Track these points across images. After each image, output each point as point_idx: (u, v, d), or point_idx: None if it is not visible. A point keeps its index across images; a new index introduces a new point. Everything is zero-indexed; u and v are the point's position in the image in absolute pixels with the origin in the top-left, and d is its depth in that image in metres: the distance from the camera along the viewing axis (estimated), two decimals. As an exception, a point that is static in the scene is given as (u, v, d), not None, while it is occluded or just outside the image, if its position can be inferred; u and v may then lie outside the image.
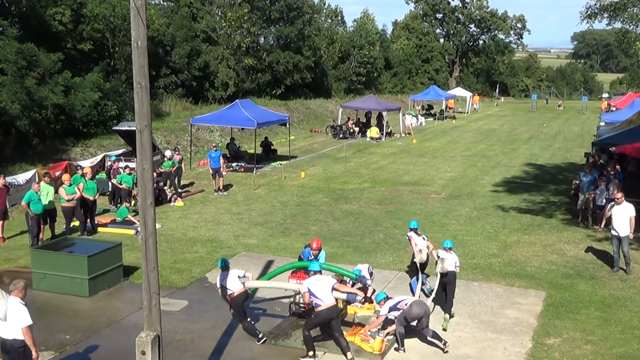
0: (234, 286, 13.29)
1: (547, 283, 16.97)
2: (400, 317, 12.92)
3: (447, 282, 14.37)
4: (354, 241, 20.46)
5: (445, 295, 14.44)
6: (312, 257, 14.72)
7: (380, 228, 22.18)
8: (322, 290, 12.30)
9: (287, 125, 39.74)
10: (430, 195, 28.02)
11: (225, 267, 13.60)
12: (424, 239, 16.15)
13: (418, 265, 15.64)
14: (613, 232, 18.04)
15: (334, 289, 12.47)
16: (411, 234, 16.16)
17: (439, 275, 14.44)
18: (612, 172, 23.80)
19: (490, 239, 21.17)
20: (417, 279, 15.63)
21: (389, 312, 13.16)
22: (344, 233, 21.50)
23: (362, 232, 21.66)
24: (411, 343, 13.21)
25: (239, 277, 13.45)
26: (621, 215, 17.92)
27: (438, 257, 14.71)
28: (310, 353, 12.42)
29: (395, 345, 12.99)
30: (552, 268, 18.24)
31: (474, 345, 13.20)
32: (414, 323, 12.96)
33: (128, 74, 38.62)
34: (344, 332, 12.75)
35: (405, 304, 12.98)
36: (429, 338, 13.02)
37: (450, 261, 14.55)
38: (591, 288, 16.68)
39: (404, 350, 12.87)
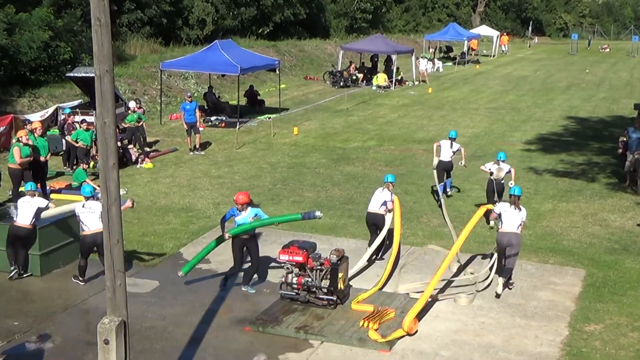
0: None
1: (588, 259, 17.10)
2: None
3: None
4: (358, 210, 20.54)
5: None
6: (239, 215, 14.86)
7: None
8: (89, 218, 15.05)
9: (277, 72, 39.61)
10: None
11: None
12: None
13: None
14: None
15: None
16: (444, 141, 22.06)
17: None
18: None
19: (522, 206, 21.20)
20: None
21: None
22: (345, 200, 21.59)
23: (367, 199, 21.46)
24: (425, 330, 13.35)
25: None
26: None
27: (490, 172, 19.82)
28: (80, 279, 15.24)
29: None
30: (594, 242, 18.37)
31: (499, 333, 13.35)
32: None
33: (84, 9, 38.34)
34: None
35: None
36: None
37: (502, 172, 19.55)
38: (640, 265, 16.83)
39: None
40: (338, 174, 24.84)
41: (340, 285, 14.05)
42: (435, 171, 21.10)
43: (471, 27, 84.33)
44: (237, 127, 31.34)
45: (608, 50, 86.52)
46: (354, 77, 48.43)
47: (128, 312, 9.78)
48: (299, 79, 50.89)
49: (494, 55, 74.51)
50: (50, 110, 29.89)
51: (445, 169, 21.73)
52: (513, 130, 33.60)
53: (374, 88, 46.73)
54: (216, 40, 36.53)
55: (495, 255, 15.58)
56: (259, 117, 35.19)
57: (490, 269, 15.59)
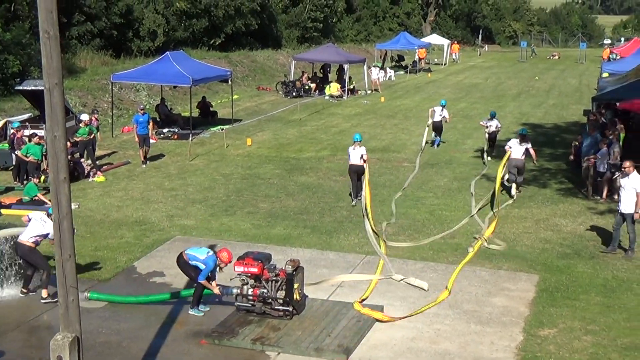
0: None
1: (540, 264, 17.30)
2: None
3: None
4: (312, 220, 20.58)
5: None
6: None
7: (342, 204, 22.32)
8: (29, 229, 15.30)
9: (229, 82, 39.54)
10: (401, 163, 28.24)
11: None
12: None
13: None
14: (619, 207, 18.18)
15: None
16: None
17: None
18: (612, 134, 24.20)
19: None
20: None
21: None
22: (299, 210, 21.60)
23: (322, 208, 21.79)
24: (381, 338, 13.39)
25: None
26: (627, 188, 17.86)
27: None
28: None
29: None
30: (546, 247, 18.60)
31: (455, 340, 13.44)
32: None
33: (32, 22, 37.93)
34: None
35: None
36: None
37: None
38: (592, 269, 17.06)
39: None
40: (292, 184, 24.84)
41: (296, 296, 14.03)
42: (428, 128, 31.38)
43: (422, 36, 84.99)
44: (190, 138, 31.19)
45: (557, 57, 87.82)
46: (307, 87, 48.48)
47: (81, 328, 9.68)
48: (252, 89, 50.82)
49: (445, 64, 75.21)
50: (-1, 124, 29.47)
51: (436, 128, 31.54)
52: (465, 138, 33.90)
53: (326, 98, 46.82)
54: (167, 52, 36.34)
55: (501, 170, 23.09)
56: (211, 129, 35.05)
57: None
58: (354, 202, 22.18)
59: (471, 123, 38.17)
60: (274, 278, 14.09)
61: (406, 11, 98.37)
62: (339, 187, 24.32)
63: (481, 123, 30.86)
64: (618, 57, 58.93)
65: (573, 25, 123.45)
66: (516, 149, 23.62)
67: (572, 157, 25.94)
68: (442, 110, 31.36)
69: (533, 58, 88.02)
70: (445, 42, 79.24)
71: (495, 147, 29.31)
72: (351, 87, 49.51)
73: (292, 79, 49.49)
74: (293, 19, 73.58)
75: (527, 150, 23.71)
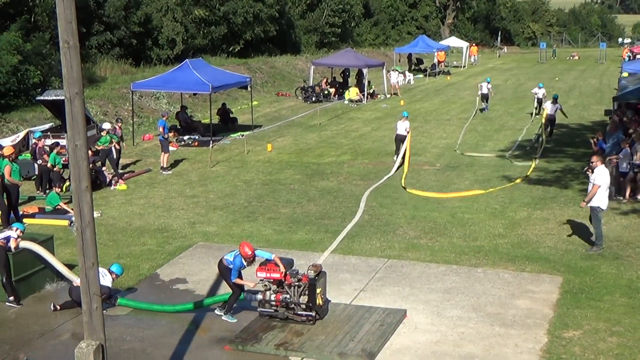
0: None
1: (564, 266, 17.18)
2: None
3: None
4: (334, 225, 20.55)
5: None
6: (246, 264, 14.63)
7: (364, 207, 22.27)
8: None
9: (249, 89, 39.67)
10: (422, 166, 28.17)
11: None
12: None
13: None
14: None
15: None
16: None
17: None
18: (635, 133, 24.04)
19: (496, 216, 21.37)
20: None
21: None
22: (321, 215, 21.58)
23: (343, 213, 21.76)
24: (405, 343, 13.35)
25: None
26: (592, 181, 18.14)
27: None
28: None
29: None
30: (570, 248, 18.47)
31: (479, 343, 13.37)
32: None
33: (53, 32, 38.20)
34: None
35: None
36: None
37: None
38: (616, 270, 16.93)
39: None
40: (313, 189, 24.82)
41: (319, 301, 14.01)
42: (478, 97, 44.43)
43: (441, 39, 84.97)
44: (211, 145, 31.27)
45: (577, 57, 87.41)
46: (326, 92, 48.50)
47: (105, 336, 9.71)
48: (271, 95, 50.90)
49: (464, 66, 75.06)
50: (21, 134, 29.69)
51: (484, 97, 43.77)
52: (486, 140, 33.79)
53: (346, 102, 46.84)
54: (187, 60, 36.48)
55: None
56: (232, 135, 35.12)
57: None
58: (395, 158, 28.39)
59: (491, 125, 38.06)
60: (297, 283, 14.07)
61: (424, 14, 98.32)
62: (360, 191, 24.28)
63: (532, 91, 42.70)
64: (639, 57, 58.60)
65: (592, 25, 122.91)
66: (550, 108, 34.41)
67: (594, 144, 26.07)
68: (488, 84, 44.26)
69: (553, 59, 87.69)
70: (464, 44, 79.18)
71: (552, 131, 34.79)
72: (370, 91, 49.49)
73: (311, 84, 49.55)
74: (311, 24, 73.75)
75: (558, 109, 34.59)
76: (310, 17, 74.03)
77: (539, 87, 41.72)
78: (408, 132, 28.70)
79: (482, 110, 43.25)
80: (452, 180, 25.85)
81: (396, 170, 27.32)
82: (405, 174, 26.37)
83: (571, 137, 34.15)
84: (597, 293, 15.56)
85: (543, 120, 34.69)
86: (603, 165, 18.28)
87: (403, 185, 24.94)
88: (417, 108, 44.74)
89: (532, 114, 40.95)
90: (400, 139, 28.74)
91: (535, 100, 41.00)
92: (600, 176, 17.98)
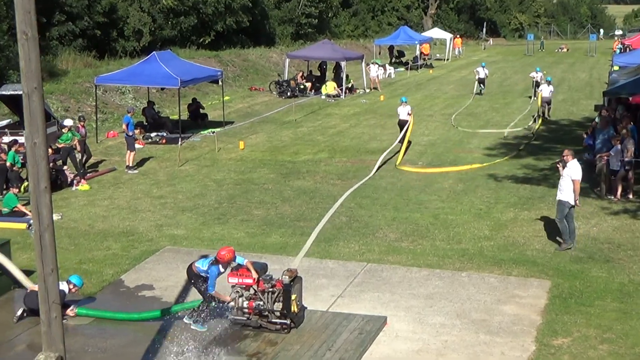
0: None
1: (553, 270, 17.25)
2: None
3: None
4: (310, 227, 20.50)
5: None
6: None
7: (342, 209, 22.27)
8: None
9: (220, 83, 39.51)
10: (402, 166, 28.20)
11: None
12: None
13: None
14: (558, 196, 18.75)
15: None
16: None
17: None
18: (624, 130, 24.12)
19: (481, 217, 21.43)
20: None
21: None
22: (296, 217, 21.55)
23: (320, 214, 21.72)
24: (385, 352, 13.33)
25: None
26: (565, 176, 18.48)
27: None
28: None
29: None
30: (558, 251, 18.53)
31: (463, 351, 13.38)
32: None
33: (10, 22, 37.88)
34: None
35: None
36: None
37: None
38: (607, 274, 17.01)
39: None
40: (288, 189, 24.79)
41: (294, 308, 13.97)
42: (476, 82, 49.15)
43: (423, 31, 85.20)
44: (179, 143, 31.14)
45: (566, 50, 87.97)
46: (302, 87, 48.48)
47: (65, 347, 9.62)
48: (244, 90, 50.82)
49: (447, 59, 75.30)
50: (-23, 131, 29.42)
51: (481, 81, 48.88)
52: (470, 137, 33.90)
53: (323, 97, 46.83)
54: (154, 52, 36.28)
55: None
56: (202, 132, 35.00)
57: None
58: (397, 141, 30.81)
59: (477, 121, 38.21)
60: (270, 289, 14.02)
61: (406, 4, 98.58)
62: (338, 191, 24.26)
63: (530, 75, 48.05)
64: (629, 49, 58.95)
65: (582, 16, 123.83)
66: (545, 90, 38.78)
67: (585, 137, 26.95)
68: (483, 69, 49.24)
69: (541, 51, 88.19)
70: (447, 36, 79.47)
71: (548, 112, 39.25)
72: (349, 85, 49.53)
73: (286, 78, 49.53)
74: (286, 14, 73.67)
75: (552, 91, 39.31)
76: (285, 7, 73.95)
77: (537, 71, 46.64)
78: (410, 115, 31.97)
79: (478, 93, 48.49)
80: (435, 179, 25.89)
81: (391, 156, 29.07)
82: (403, 155, 29.00)
83: (560, 134, 34.34)
84: (587, 298, 15.63)
85: (539, 103, 38.52)
86: (575, 159, 18.57)
87: (397, 164, 27.79)
88: (398, 104, 44.74)
89: (531, 97, 44.97)
90: (402, 124, 31.65)
91: (534, 84, 45.11)
92: (577, 170, 18.30)
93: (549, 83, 39.48)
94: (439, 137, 33.93)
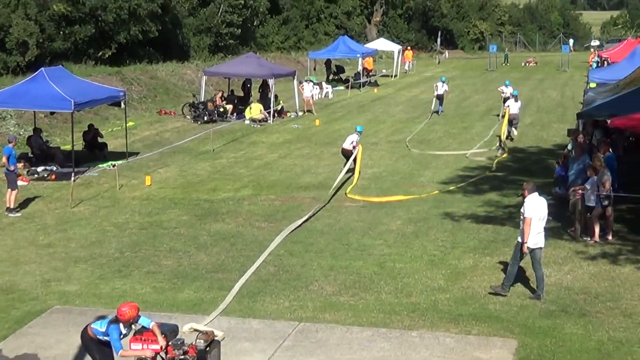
0: None
1: (519, 326, 17.35)
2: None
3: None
4: (230, 279, 20.38)
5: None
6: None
7: (269, 257, 22.19)
8: None
9: (123, 106, 39.23)
10: (343, 203, 28.25)
11: None
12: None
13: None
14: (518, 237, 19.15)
15: None
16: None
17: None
18: (596, 160, 24.29)
19: (434, 264, 21.52)
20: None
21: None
22: (214, 267, 21.41)
23: (242, 264, 21.61)
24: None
25: None
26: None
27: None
28: None
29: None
30: (526, 304, 18.67)
31: None
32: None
33: None
34: None
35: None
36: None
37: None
38: (583, 330, 17.16)
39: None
40: (204, 234, 24.66)
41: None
42: (434, 99, 51.17)
43: (366, 41, 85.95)
44: (72, 179, 30.81)
45: (534, 64, 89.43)
46: (222, 109, 48.41)
47: None
48: (152, 114, 50.58)
49: (395, 75, 75.92)
50: None
51: (439, 98, 50.75)
52: (423, 168, 34.12)
53: (247, 122, 46.81)
54: (42, 68, 35.90)
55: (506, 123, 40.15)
56: (100, 165, 34.70)
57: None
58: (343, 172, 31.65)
59: (430, 148, 38.48)
60: (182, 357, 13.88)
61: (346, 10, 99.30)
62: (265, 235, 24.20)
63: (499, 89, 50.40)
64: (608, 63, 60.16)
65: (553, 24, 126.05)
66: (513, 106, 41.46)
67: (556, 167, 27.18)
68: (443, 84, 50.91)
69: (505, 66, 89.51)
70: (395, 47, 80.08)
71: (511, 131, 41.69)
72: (278, 108, 49.58)
73: (202, 100, 49.38)
74: (203, 23, 73.76)
75: (521, 107, 42.56)
76: (202, 14, 74.02)
77: (507, 85, 48.63)
78: (354, 147, 32.61)
79: (436, 112, 50.73)
80: (381, 220, 25.97)
81: (338, 189, 29.95)
82: (355, 184, 30.83)
83: (528, 164, 34.76)
84: (561, 359, 15.74)
85: (505, 121, 40.77)
86: (535, 194, 18.80)
87: (348, 191, 29.52)
88: (337, 129, 45.00)
89: (499, 115, 46.79)
90: (346, 155, 32.62)
91: (503, 100, 46.89)
92: (529, 206, 18.58)
93: (516, 98, 41.89)
94: (385, 169, 34.10)
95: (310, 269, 21.21)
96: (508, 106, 41.67)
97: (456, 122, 47.56)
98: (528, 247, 18.57)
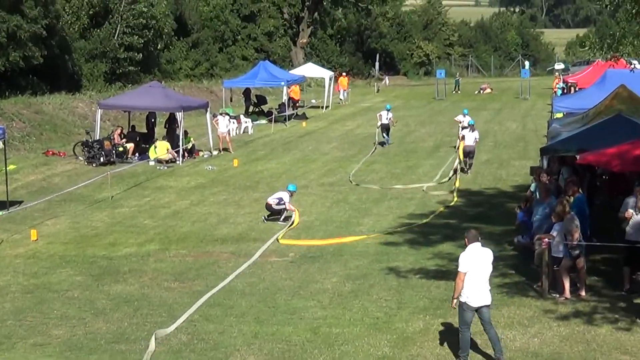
0: None
1: (480, 401, 17.45)
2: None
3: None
4: (134, 351, 20.23)
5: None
6: None
7: (181, 324, 22.09)
8: None
9: (2, 145, 38.93)
10: (268, 258, 28.21)
11: None
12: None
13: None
14: None
15: None
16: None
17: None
18: (560, 206, 24.52)
19: (378, 329, 21.55)
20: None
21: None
22: (115, 337, 21.27)
23: (148, 333, 21.49)
24: None
25: None
26: None
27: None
28: None
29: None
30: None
31: None
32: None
33: None
34: None
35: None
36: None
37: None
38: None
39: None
40: (102, 297, 24.49)
41: None
42: (378, 129, 54.50)
43: (292, 67, 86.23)
44: (-58, 234, 30.53)
45: (489, 90, 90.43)
46: (121, 149, 48.22)
47: None
48: (37, 155, 50.20)
49: (327, 106, 76.14)
50: None
51: (384, 129, 54.16)
52: (362, 215, 34.23)
53: (151, 163, 46.68)
54: None
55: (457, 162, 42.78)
56: (-26, 217, 34.48)
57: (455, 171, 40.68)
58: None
59: (369, 193, 38.63)
60: None
61: (266, 30, 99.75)
62: (175, 298, 24.11)
63: (456, 119, 53.04)
64: (574, 89, 61.06)
65: (510, 44, 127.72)
66: (469, 138, 43.82)
67: (518, 212, 26.92)
68: (388, 113, 54.51)
69: (455, 93, 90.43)
70: (326, 74, 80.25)
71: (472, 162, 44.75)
72: (188, 146, 49.49)
73: (98, 138, 49.15)
74: (97, 46, 73.52)
75: (476, 139, 44.58)
76: (95, 36, 73.75)
77: (464, 115, 51.68)
78: (283, 207, 33.33)
79: (382, 144, 54.01)
80: (313, 277, 25.96)
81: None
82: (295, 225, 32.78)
83: (485, 209, 35.03)
84: None
85: (460, 153, 43.71)
86: (477, 243, 18.72)
87: (280, 237, 30.81)
88: (259, 170, 45.06)
89: (456, 147, 48.67)
90: (270, 210, 33.44)
91: (461, 129, 48.81)
92: (465, 259, 18.48)
93: (472, 128, 44.79)
94: (317, 217, 34.13)
95: (230, 336, 21.14)
96: (463, 137, 44.06)
97: (399, 160, 47.90)
98: (467, 305, 18.52)
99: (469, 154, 43.41)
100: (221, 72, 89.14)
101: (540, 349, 19.93)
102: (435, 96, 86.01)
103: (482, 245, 18.92)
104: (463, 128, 47.75)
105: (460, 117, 51.12)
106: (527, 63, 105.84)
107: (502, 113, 71.28)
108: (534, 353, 19.77)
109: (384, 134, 54.22)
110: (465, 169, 43.14)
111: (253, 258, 27.94)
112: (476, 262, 18.51)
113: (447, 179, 41.39)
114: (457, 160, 43.01)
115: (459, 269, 18.45)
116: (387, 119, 53.89)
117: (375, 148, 51.73)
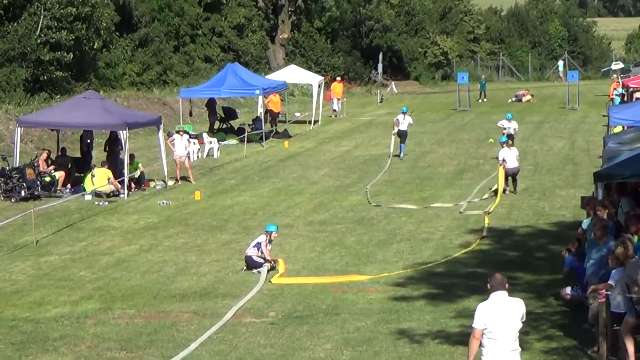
0: None
1: None
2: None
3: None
4: None
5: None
6: None
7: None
8: None
9: None
10: (243, 319, 28.27)
11: None
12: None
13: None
14: None
15: None
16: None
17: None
18: (620, 247, 24.51)
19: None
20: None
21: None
22: None
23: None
24: None
25: None
26: None
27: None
28: None
29: None
30: None
31: None
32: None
33: None
34: None
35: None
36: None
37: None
38: None
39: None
40: (25, 373, 24.61)
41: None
42: (394, 136, 59.05)
43: (269, 71, 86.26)
44: None
45: (529, 98, 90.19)
46: (48, 179, 48.24)
47: None
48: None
49: (316, 121, 76.02)
50: None
51: (401, 135, 58.25)
52: (362, 263, 34.22)
53: (88, 197, 46.75)
54: None
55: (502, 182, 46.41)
56: None
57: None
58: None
59: (373, 233, 38.67)
60: None
61: (235, 23, 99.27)
62: (121, 372, 24.20)
63: (499, 124, 57.73)
64: (636, 95, 61.19)
65: (552, 38, 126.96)
66: (511, 158, 46.21)
67: (565, 256, 27.13)
68: (405, 117, 58.42)
69: (481, 102, 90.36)
70: (314, 79, 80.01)
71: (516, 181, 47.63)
72: (136, 174, 49.54)
73: (17, 165, 49.19)
74: (14, 45, 73.33)
75: (517, 156, 47.07)
76: (11, 32, 73.67)
77: (509, 119, 56.72)
78: (262, 257, 33.48)
79: (397, 155, 57.85)
80: (301, 343, 25.94)
81: None
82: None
83: (523, 252, 35.02)
84: None
85: (501, 176, 45.98)
86: (502, 292, 18.33)
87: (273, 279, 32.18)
88: (228, 205, 45.14)
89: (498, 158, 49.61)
90: (249, 263, 33.73)
91: (505, 136, 52.47)
92: (482, 313, 18.21)
93: (510, 144, 46.49)
94: (305, 265, 34.11)
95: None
96: (504, 160, 46.12)
97: (411, 189, 47.93)
98: None
99: (512, 175, 45.75)
100: (177, 79, 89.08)
101: None
102: (457, 107, 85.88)
103: (509, 295, 18.57)
104: (509, 137, 49.35)
105: (504, 122, 53.64)
106: (560, 63, 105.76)
107: (544, 128, 71.35)
108: None
109: (400, 142, 56.05)
110: (513, 191, 46.01)
111: (223, 320, 28.00)
112: (499, 316, 18.03)
113: (485, 195, 43.69)
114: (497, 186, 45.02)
115: (472, 325, 18.09)
116: (407, 124, 57.20)
117: (389, 163, 53.59)
